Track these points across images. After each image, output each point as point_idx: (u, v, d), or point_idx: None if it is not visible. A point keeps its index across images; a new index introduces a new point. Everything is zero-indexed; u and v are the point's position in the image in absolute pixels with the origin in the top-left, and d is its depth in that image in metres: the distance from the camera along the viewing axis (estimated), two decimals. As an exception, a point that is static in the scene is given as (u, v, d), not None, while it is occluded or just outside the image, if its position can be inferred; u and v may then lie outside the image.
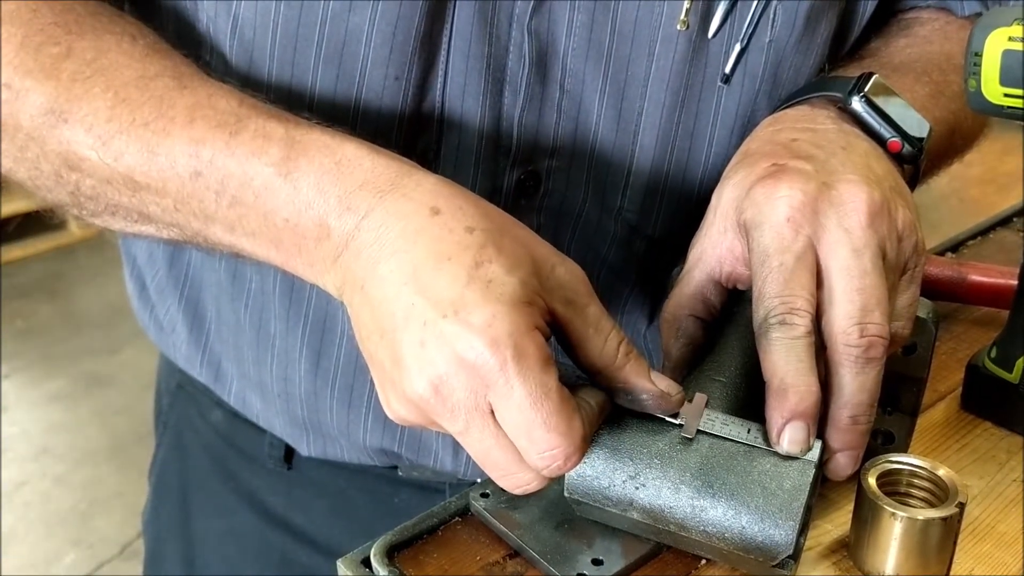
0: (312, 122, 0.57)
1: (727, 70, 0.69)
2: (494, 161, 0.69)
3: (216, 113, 0.57)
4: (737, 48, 0.69)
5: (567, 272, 0.53)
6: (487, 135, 0.68)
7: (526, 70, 0.67)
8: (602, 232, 0.75)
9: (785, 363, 0.55)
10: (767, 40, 0.69)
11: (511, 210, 0.71)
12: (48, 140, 0.59)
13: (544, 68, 0.67)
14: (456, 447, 0.78)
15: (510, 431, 0.50)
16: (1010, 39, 0.59)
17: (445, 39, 0.65)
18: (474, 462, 0.77)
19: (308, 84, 0.66)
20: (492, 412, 0.50)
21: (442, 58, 0.66)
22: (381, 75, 0.65)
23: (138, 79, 0.59)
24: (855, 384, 0.55)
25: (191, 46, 0.67)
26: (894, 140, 0.65)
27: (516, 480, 0.53)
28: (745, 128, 0.71)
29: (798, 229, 0.56)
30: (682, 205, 0.74)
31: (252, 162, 0.55)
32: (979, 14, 0.81)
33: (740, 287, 0.61)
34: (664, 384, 0.55)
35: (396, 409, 0.53)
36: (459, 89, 0.67)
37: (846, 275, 0.55)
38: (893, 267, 0.58)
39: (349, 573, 0.58)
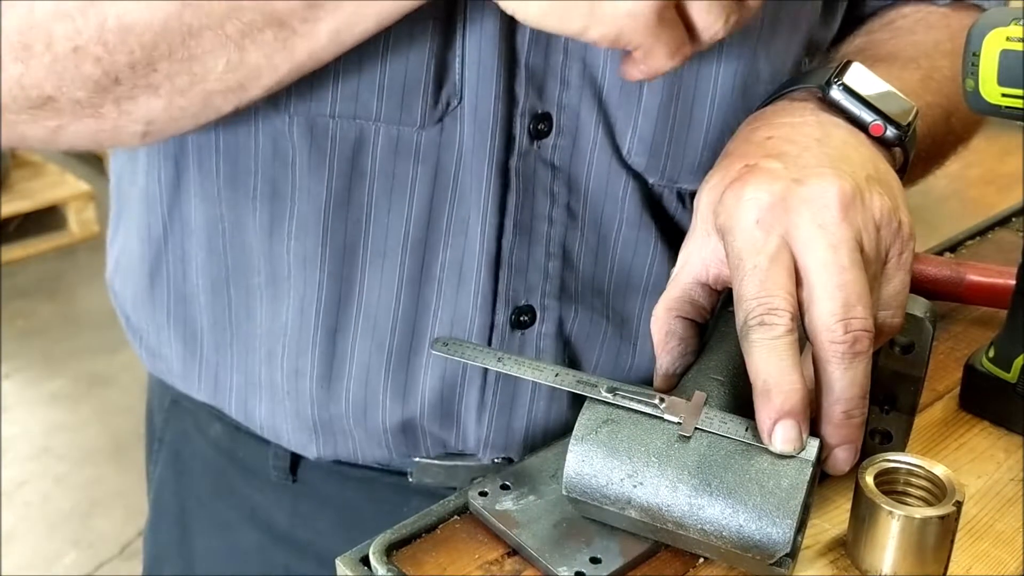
0: None
1: None
2: (508, 106, 0.70)
3: None
4: None
5: None
6: (502, 81, 0.69)
7: None
8: (615, 180, 0.75)
9: (767, 364, 0.54)
10: None
11: (524, 156, 0.72)
12: None
13: None
14: (480, 411, 0.76)
15: None
16: (1008, 39, 0.59)
17: None
18: (495, 430, 0.77)
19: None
20: None
21: (461, 6, 0.66)
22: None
23: None
24: (845, 380, 0.55)
25: None
26: (876, 123, 0.64)
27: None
28: (747, 72, 0.71)
29: (769, 230, 0.56)
30: (688, 152, 0.74)
31: None
32: (956, 0, 0.83)
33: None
34: None
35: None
36: (477, 35, 0.67)
37: (824, 272, 0.55)
38: (873, 258, 0.57)
39: (348, 572, 0.58)
